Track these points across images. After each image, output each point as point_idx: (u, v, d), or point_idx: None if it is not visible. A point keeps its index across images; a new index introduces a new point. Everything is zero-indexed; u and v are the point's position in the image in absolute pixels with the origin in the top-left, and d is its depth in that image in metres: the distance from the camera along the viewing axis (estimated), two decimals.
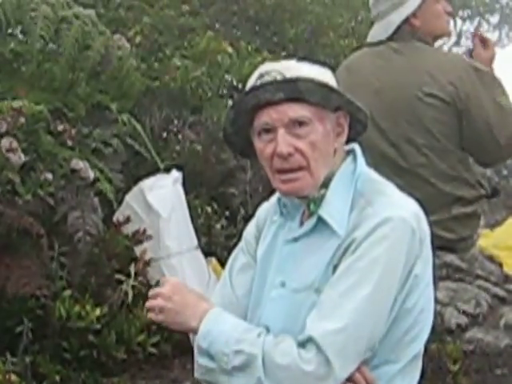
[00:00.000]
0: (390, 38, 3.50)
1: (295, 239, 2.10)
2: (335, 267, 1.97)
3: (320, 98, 2.00)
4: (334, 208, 2.02)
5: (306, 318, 1.96)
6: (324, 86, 2.00)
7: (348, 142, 2.14)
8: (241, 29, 5.55)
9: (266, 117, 2.01)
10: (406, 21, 3.48)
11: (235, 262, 2.27)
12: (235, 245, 2.33)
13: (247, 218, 4.18)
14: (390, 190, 2.08)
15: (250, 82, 2.05)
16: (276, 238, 2.18)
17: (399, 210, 1.98)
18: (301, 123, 2.00)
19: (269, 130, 2.02)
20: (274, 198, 2.24)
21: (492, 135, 3.39)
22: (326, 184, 2.05)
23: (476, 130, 3.39)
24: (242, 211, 4.59)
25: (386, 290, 1.95)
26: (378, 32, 3.56)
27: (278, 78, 1.99)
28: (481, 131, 3.39)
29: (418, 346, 2.08)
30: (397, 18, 3.47)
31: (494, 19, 11.19)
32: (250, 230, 2.29)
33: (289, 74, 1.99)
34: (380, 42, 3.55)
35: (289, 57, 5.27)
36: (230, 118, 2.10)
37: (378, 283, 1.93)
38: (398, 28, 3.48)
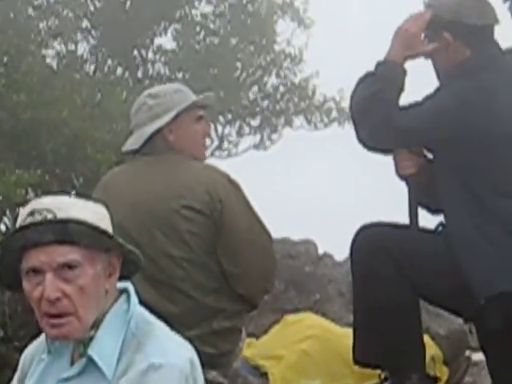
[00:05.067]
0: (144, 151, 3.52)
1: (65, 380, 2.04)
2: None
3: (91, 241, 1.98)
4: (104, 350, 1.99)
5: None
6: (95, 229, 1.99)
7: (121, 279, 2.11)
8: None
9: (34, 259, 1.96)
10: (160, 134, 3.53)
11: None
12: None
13: (7, 340, 4.00)
14: (163, 333, 2.06)
15: (20, 219, 2.00)
16: (43, 376, 2.10)
17: (171, 356, 1.96)
18: (70, 266, 1.96)
19: (37, 271, 1.97)
20: (42, 337, 2.17)
21: (245, 242, 3.45)
22: (97, 324, 2.02)
23: (229, 238, 3.44)
24: (1, 333, 4.43)
25: None
26: (130, 142, 3.59)
27: (49, 217, 1.95)
28: (234, 238, 3.45)
29: None
30: (149, 129, 3.52)
31: (255, 122, 11.53)
32: (15, 375, 2.21)
33: (60, 214, 1.96)
34: (134, 152, 3.57)
35: (47, 170, 5.24)
36: None
37: None
38: (152, 140, 3.52)
